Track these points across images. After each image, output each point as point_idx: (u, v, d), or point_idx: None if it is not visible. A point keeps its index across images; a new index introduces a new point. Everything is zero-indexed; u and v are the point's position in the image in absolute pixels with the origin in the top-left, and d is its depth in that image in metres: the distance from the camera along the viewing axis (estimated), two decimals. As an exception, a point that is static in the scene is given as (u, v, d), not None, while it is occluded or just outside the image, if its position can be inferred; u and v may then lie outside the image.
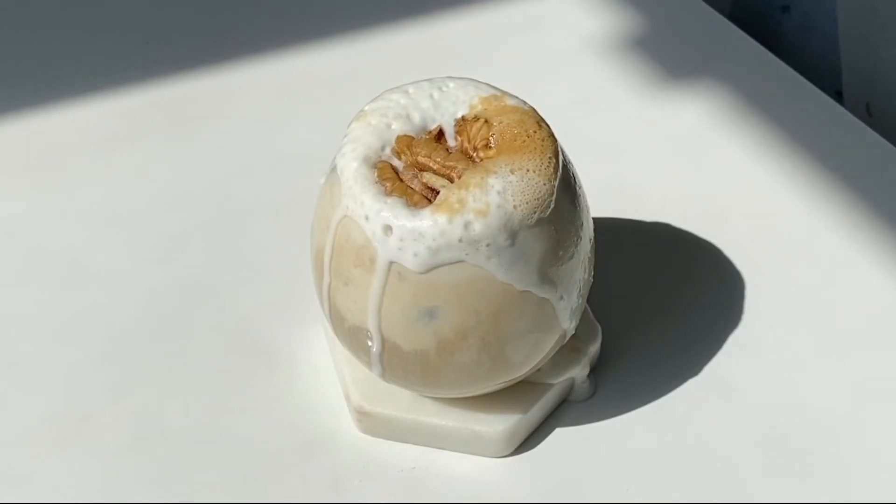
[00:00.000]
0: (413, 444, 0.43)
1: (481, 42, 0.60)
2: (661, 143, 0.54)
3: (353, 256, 0.39)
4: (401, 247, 0.38)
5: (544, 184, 0.38)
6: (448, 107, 0.40)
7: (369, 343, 0.40)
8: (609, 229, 0.48)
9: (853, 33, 0.62)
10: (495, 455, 0.42)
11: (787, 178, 0.52)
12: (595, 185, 0.44)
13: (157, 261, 0.49)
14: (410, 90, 0.41)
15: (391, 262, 0.38)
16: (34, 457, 0.43)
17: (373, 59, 0.59)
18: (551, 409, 0.44)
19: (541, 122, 0.40)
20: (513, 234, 0.38)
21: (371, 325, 0.39)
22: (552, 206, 0.38)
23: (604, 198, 0.48)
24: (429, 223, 0.38)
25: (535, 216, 0.38)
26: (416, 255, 0.38)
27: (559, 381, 0.43)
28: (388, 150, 0.40)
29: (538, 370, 0.42)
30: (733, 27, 0.61)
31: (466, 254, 0.38)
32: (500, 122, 0.40)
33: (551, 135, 0.40)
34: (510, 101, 0.40)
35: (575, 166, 0.41)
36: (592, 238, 0.41)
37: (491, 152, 0.39)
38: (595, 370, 0.44)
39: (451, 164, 0.39)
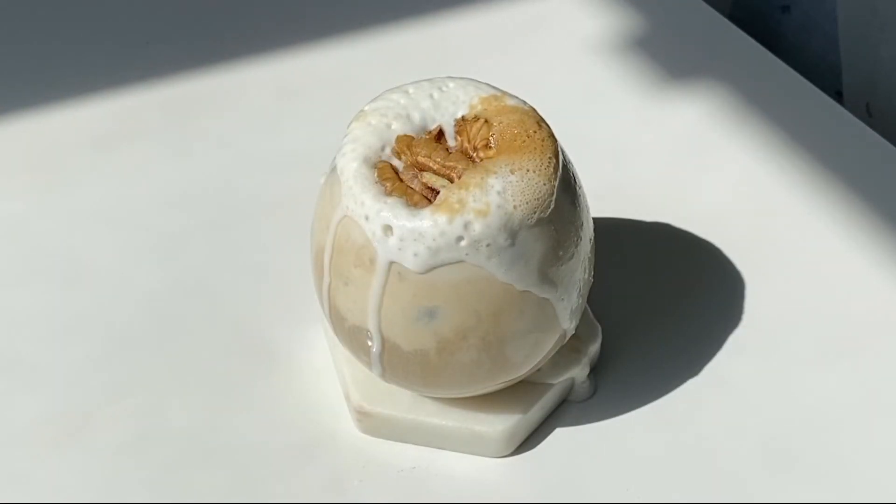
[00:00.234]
0: (413, 444, 0.43)
1: (481, 42, 0.60)
2: (661, 143, 0.54)
3: (353, 256, 0.39)
4: (401, 247, 0.38)
5: (544, 184, 0.38)
6: (448, 107, 0.40)
7: (369, 343, 0.40)
8: (609, 229, 0.48)
9: (853, 33, 0.62)
10: (495, 455, 0.42)
11: (787, 178, 0.52)
12: (595, 185, 0.44)
13: (157, 261, 0.49)
14: (410, 90, 0.41)
15: (391, 262, 0.38)
16: (34, 457, 0.43)
17: (373, 59, 0.59)
18: (551, 409, 0.44)
19: (541, 122, 0.40)
20: (513, 235, 0.38)
21: (371, 325, 0.39)
22: (552, 206, 0.38)
23: (604, 198, 0.48)
24: (429, 223, 0.38)
25: (535, 216, 0.38)
26: (416, 255, 0.38)
27: (559, 381, 0.43)
28: (388, 150, 0.40)
29: (538, 370, 0.42)
30: (733, 27, 0.61)
31: (466, 254, 0.38)
32: (500, 122, 0.40)
33: (551, 135, 0.40)
34: (510, 101, 0.40)
35: (575, 166, 0.41)
36: (592, 238, 0.41)
37: (491, 152, 0.39)
38: (595, 370, 0.44)
39: (451, 164, 0.39)
